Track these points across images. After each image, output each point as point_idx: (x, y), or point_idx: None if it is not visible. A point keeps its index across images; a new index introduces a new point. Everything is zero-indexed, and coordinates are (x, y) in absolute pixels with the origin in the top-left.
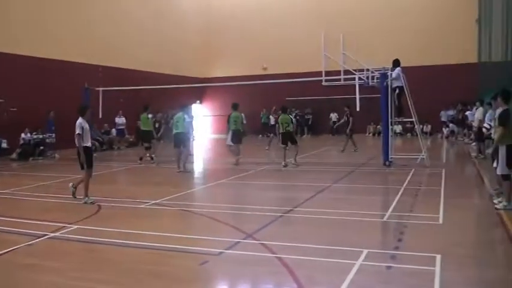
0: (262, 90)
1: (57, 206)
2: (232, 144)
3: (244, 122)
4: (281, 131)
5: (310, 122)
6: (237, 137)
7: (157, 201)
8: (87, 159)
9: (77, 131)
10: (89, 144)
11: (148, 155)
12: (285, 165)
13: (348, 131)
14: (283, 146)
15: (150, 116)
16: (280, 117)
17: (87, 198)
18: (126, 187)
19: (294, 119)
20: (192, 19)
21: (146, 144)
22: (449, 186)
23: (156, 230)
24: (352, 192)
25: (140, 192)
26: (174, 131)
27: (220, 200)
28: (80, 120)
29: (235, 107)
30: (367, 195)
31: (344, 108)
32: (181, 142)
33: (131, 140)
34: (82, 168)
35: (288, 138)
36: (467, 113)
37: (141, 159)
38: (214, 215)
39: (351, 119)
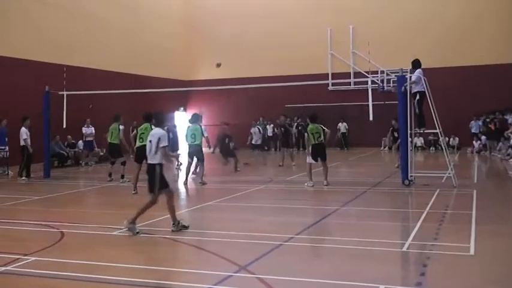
0: (256, 96)
1: (11, 233)
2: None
3: (205, 134)
4: (313, 142)
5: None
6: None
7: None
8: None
9: (163, 144)
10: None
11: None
12: (313, 185)
13: (394, 146)
14: (312, 161)
15: (121, 127)
16: (310, 126)
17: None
18: (95, 210)
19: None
20: (173, 12)
21: (121, 159)
22: (482, 210)
23: (129, 262)
24: (365, 217)
25: (112, 216)
26: (189, 143)
27: (208, 226)
28: (159, 130)
29: (193, 118)
30: (383, 220)
31: (392, 122)
32: (196, 154)
33: (102, 154)
34: (152, 191)
35: (320, 153)
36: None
37: (110, 175)
38: (201, 243)
39: (395, 134)
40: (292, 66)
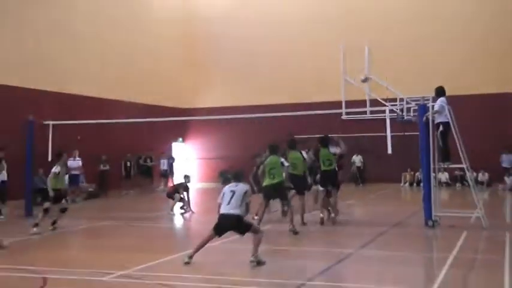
0: (265, 126)
1: None
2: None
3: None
4: (322, 168)
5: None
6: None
7: (126, 271)
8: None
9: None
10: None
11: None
12: (333, 220)
13: None
14: (323, 189)
15: (57, 170)
16: (322, 152)
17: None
18: (82, 253)
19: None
20: (171, 31)
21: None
22: None
23: None
24: (383, 262)
25: (102, 259)
26: (269, 182)
27: (209, 271)
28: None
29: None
30: (404, 265)
31: None
32: (280, 194)
33: (91, 189)
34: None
35: (331, 179)
36: None
37: (53, 223)
38: None
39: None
40: (303, 93)
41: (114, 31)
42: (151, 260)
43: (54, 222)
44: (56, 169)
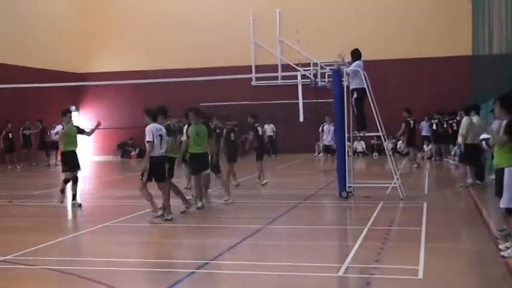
0: (164, 92)
1: None
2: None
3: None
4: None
5: (233, 138)
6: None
7: (7, 257)
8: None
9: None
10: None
11: None
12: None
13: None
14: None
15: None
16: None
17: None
18: None
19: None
20: None
21: None
22: (433, 225)
23: None
24: (294, 237)
25: None
26: (195, 151)
27: (101, 252)
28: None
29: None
30: (316, 239)
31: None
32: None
33: None
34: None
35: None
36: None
37: None
38: (85, 273)
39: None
40: (208, 56)
41: None
42: (39, 242)
43: None
44: None
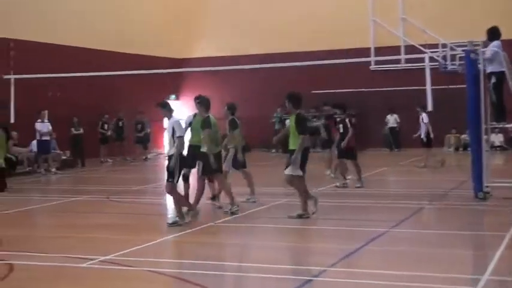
0: (272, 79)
1: None
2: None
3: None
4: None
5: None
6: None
7: (108, 257)
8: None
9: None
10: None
11: None
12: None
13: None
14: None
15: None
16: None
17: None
18: (54, 234)
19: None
20: None
21: None
22: None
23: None
24: (423, 243)
25: (79, 242)
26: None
27: (204, 254)
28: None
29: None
30: (448, 247)
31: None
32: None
33: (65, 157)
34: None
35: None
36: None
37: None
38: (192, 277)
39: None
40: (321, 39)
41: None
42: (141, 242)
43: None
44: None
